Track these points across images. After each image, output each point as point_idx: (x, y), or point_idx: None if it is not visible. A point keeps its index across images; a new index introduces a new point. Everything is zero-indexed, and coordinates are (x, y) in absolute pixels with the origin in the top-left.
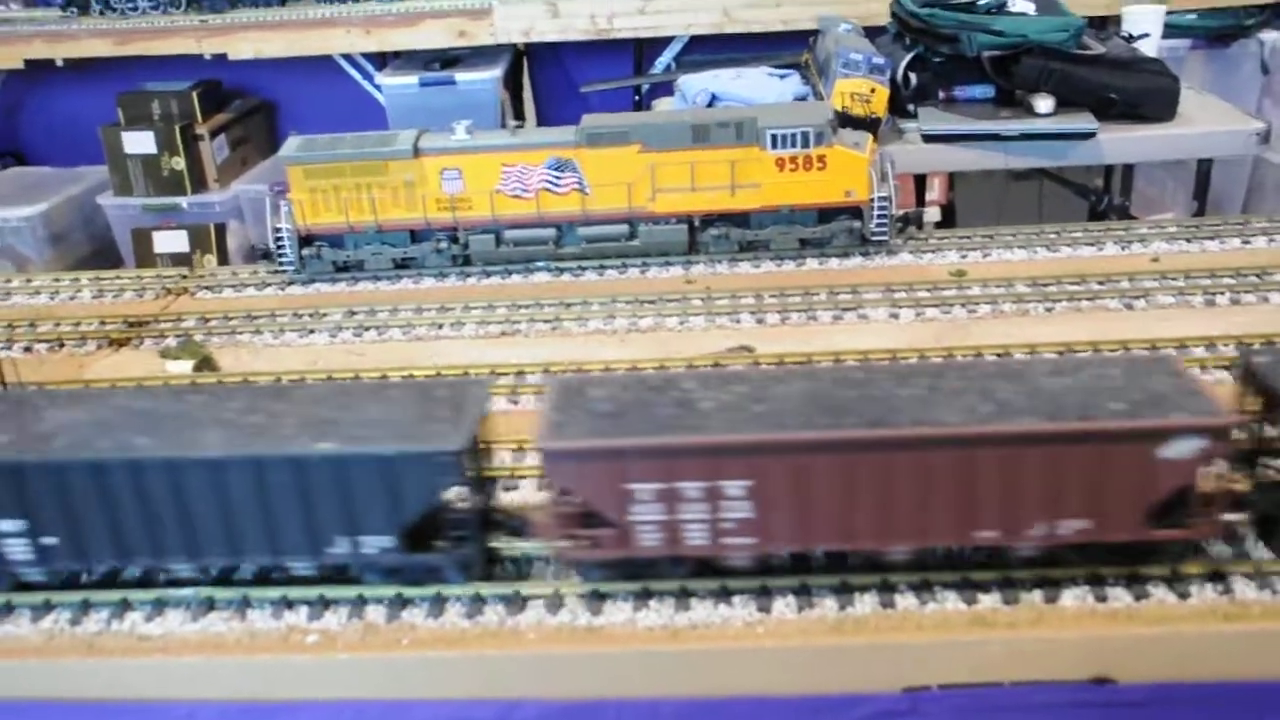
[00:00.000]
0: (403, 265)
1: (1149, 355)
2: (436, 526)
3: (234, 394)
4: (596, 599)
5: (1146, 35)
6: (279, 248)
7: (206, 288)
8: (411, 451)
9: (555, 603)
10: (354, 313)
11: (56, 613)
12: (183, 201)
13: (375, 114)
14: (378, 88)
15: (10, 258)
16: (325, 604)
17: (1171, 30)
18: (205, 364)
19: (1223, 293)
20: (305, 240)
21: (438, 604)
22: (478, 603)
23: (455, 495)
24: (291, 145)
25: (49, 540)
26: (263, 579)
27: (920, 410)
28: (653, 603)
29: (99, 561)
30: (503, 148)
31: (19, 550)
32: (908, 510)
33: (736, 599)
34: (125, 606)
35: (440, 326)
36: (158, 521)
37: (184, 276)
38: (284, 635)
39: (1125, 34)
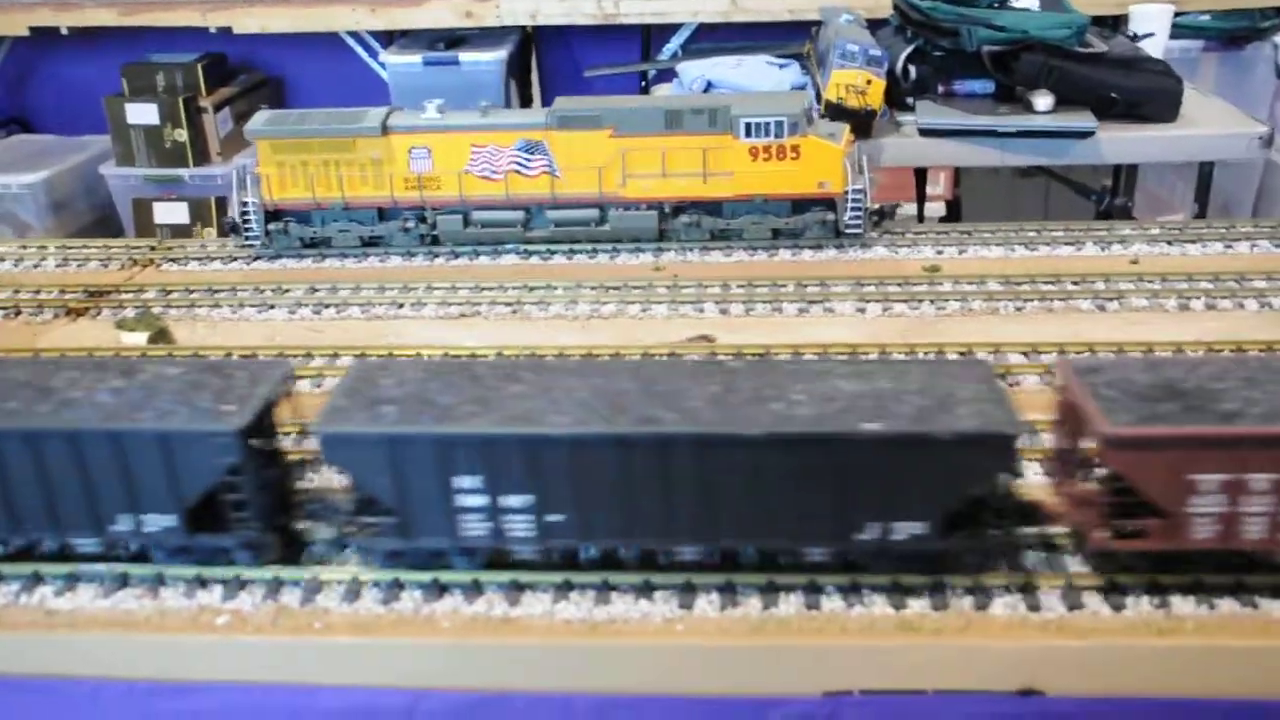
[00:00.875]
0: (370, 244)
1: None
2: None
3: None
4: (515, 589)
5: (1152, 35)
6: (245, 222)
7: (173, 260)
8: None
9: (473, 591)
10: (315, 289)
11: None
12: (185, 173)
13: (379, 91)
14: (383, 65)
15: (11, 224)
16: (240, 584)
17: (1184, 31)
18: (160, 336)
19: (1198, 297)
20: (272, 215)
21: (353, 589)
22: (395, 589)
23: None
24: (260, 119)
25: None
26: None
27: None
28: (573, 594)
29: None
30: (472, 128)
31: None
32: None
33: (659, 594)
34: (36, 580)
35: (400, 306)
36: None
37: (152, 249)
38: (195, 615)
39: (1131, 33)
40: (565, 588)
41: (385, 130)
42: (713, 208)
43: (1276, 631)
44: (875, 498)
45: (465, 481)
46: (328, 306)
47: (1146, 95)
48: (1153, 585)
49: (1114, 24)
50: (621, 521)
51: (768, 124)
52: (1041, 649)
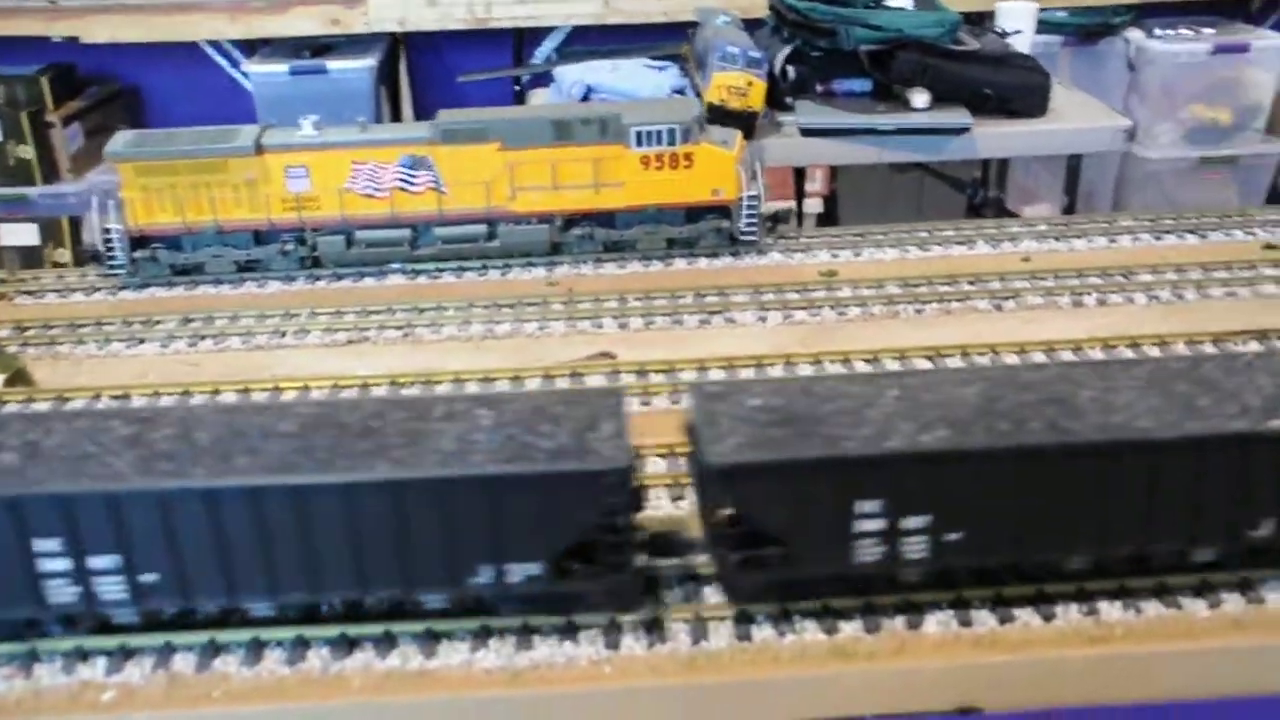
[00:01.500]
0: (246, 268)
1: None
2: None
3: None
4: (430, 639)
5: (1019, 32)
6: (108, 250)
7: (28, 292)
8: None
9: (385, 645)
10: (189, 320)
11: None
12: (32, 192)
13: (244, 102)
14: (246, 75)
15: None
16: (126, 654)
17: (1043, 26)
18: (18, 378)
19: (1090, 293)
20: (138, 242)
21: (254, 650)
22: (300, 647)
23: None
24: (120, 140)
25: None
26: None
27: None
28: (492, 642)
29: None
30: (352, 144)
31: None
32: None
33: (583, 635)
34: None
35: (283, 334)
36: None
37: (2, 280)
38: (75, 693)
39: (999, 30)
40: (483, 634)
41: (259, 149)
42: (606, 219)
43: (1201, 633)
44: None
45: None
46: (204, 338)
47: (1017, 91)
48: (1080, 593)
49: (980, 20)
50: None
51: (659, 132)
52: (975, 666)
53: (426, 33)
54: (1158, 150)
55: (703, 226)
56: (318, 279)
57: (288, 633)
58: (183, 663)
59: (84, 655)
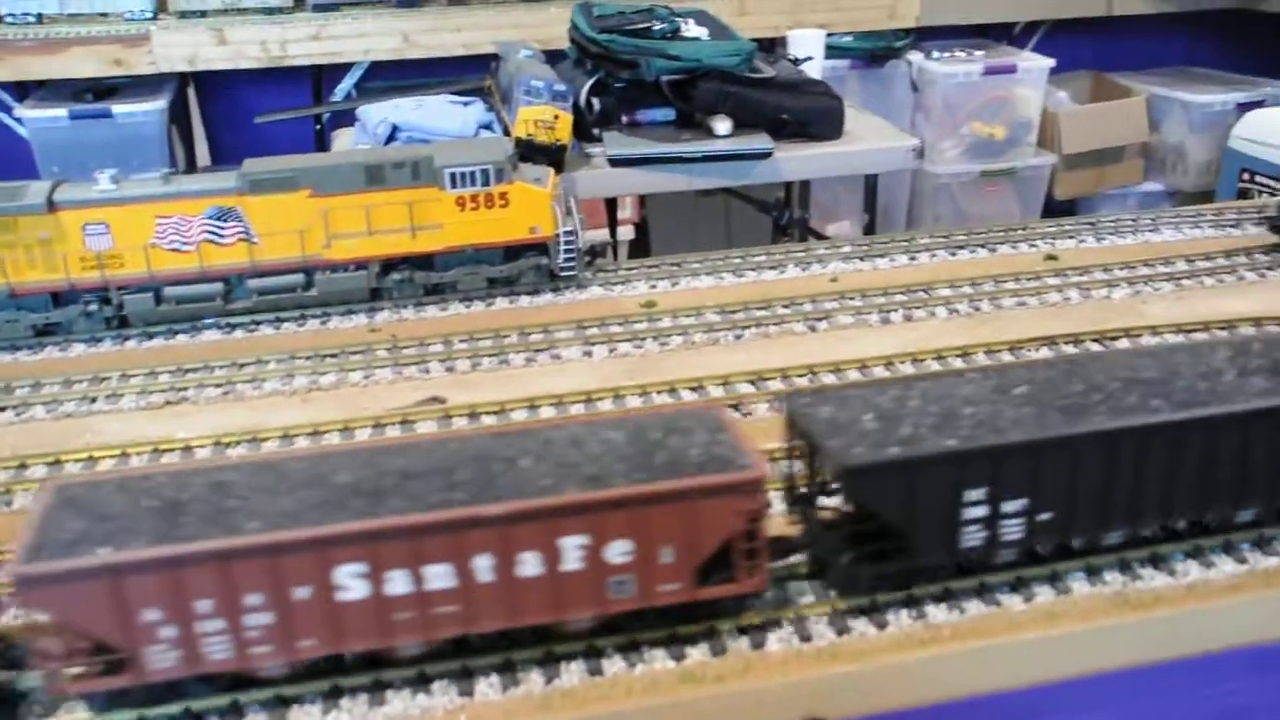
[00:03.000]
0: (46, 332)
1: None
2: None
3: None
4: (280, 704)
5: (810, 58)
6: None
7: None
8: None
9: (232, 715)
10: None
11: None
12: None
13: (19, 150)
14: (19, 121)
15: None
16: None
17: (831, 51)
18: None
19: (896, 310)
20: None
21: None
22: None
23: None
24: None
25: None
26: None
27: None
28: (344, 701)
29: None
30: (155, 197)
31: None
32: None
33: (436, 685)
34: None
35: (93, 400)
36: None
37: None
38: None
39: (791, 56)
40: (334, 694)
41: (52, 206)
42: (424, 262)
43: (1021, 625)
44: None
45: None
46: (4, 409)
47: (814, 115)
48: (910, 599)
49: (771, 47)
50: None
51: (473, 173)
52: (816, 679)
53: (219, 71)
54: (944, 165)
55: (522, 264)
56: (126, 339)
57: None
58: None
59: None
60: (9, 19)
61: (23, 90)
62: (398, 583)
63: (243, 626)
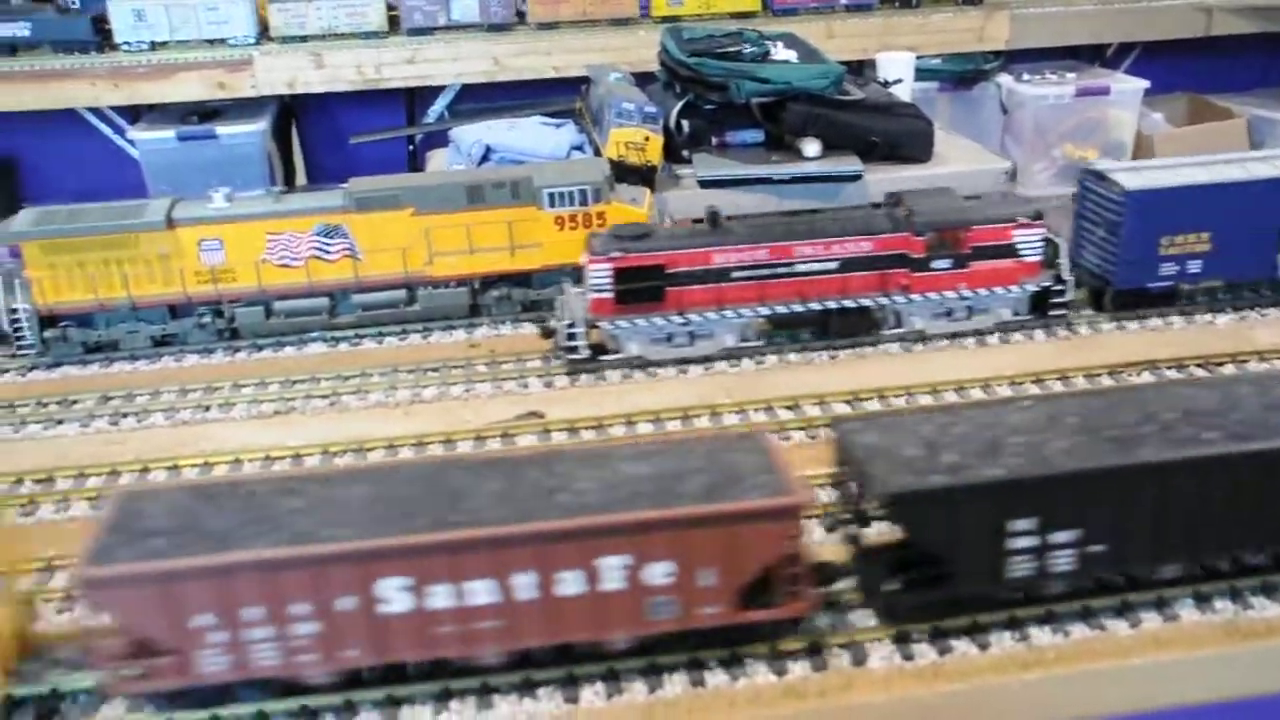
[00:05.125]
0: (163, 343)
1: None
2: None
3: None
4: (392, 705)
5: (900, 80)
6: (16, 330)
7: None
8: None
9: (347, 713)
10: (108, 398)
11: None
12: None
13: (130, 170)
14: (131, 142)
15: None
16: None
17: (920, 74)
18: None
19: (993, 333)
20: (48, 320)
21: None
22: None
23: None
24: (25, 219)
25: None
26: None
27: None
28: (453, 704)
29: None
30: (266, 215)
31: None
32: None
33: (542, 691)
34: None
35: (207, 409)
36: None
37: None
38: None
39: (881, 79)
40: (444, 697)
41: (171, 224)
42: (523, 280)
43: (1128, 650)
44: None
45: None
46: (125, 416)
47: (904, 138)
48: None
49: (859, 69)
50: None
51: (571, 193)
52: (917, 698)
53: (316, 94)
54: (1037, 189)
55: None
56: (237, 350)
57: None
58: None
59: None
60: (124, 47)
61: (134, 113)
62: (440, 597)
63: (290, 635)
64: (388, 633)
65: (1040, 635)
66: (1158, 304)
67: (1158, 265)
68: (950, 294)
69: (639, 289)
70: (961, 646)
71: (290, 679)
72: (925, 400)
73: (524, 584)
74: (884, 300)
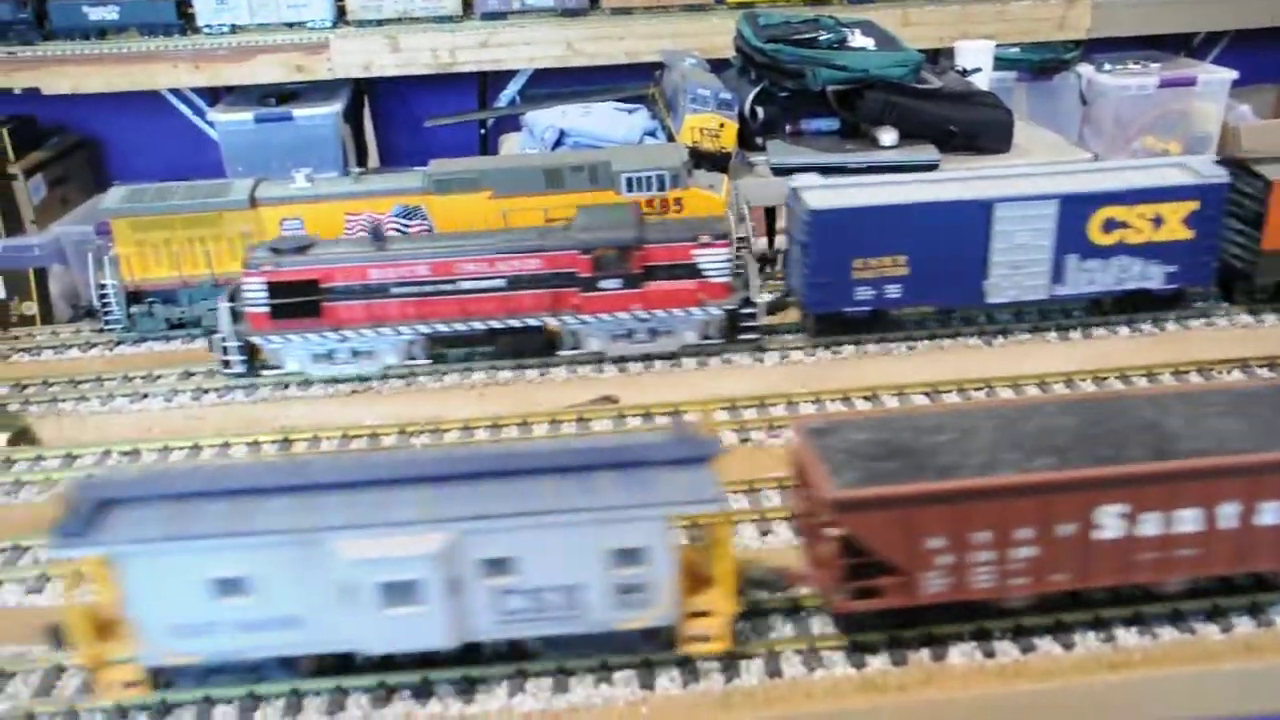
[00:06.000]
0: None
1: None
2: None
3: None
4: (468, 685)
5: (979, 69)
6: (104, 305)
7: (24, 350)
8: None
9: (424, 692)
10: (190, 374)
11: None
12: None
13: (209, 151)
14: (210, 124)
15: None
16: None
17: (998, 63)
18: (22, 436)
19: (1075, 327)
20: (134, 296)
21: (293, 702)
22: (339, 695)
23: None
24: (115, 196)
25: None
26: None
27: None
28: (529, 685)
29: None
30: (346, 195)
31: None
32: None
33: (618, 675)
34: None
35: (286, 386)
36: None
37: None
38: None
39: (959, 68)
40: (519, 676)
41: (254, 203)
42: None
43: (1217, 655)
44: None
45: None
46: (206, 391)
47: (982, 127)
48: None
49: (935, 58)
50: None
51: (649, 178)
52: (1001, 695)
53: (390, 78)
54: None
55: None
56: None
57: (327, 683)
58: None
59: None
60: (206, 29)
61: (213, 95)
62: (1150, 524)
63: (1009, 558)
64: (1094, 558)
65: (1126, 636)
66: (856, 330)
67: (852, 289)
68: (625, 315)
69: (293, 304)
70: (1045, 645)
71: (995, 600)
72: (1008, 394)
73: (1227, 514)
74: (552, 320)
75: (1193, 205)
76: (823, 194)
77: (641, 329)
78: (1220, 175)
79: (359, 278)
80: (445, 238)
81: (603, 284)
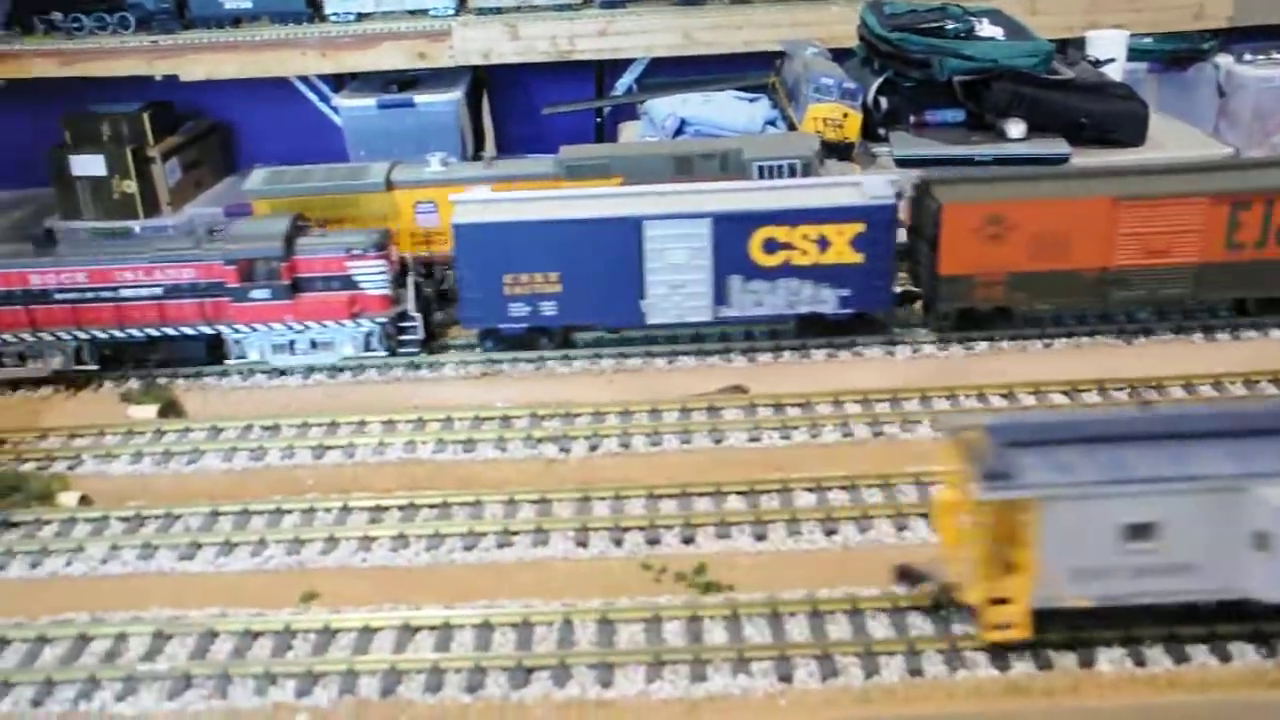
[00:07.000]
0: None
1: None
2: None
3: None
4: (605, 669)
5: (1112, 60)
6: None
7: None
8: None
9: (562, 675)
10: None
11: (16, 692)
12: (135, 225)
13: (333, 136)
14: (335, 110)
15: None
16: (314, 679)
17: (1131, 53)
18: (170, 408)
19: (1224, 329)
20: None
21: (435, 678)
22: (478, 674)
23: None
24: (258, 178)
25: None
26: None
27: None
28: (666, 673)
29: None
30: (479, 179)
31: None
32: None
33: (755, 667)
34: (93, 684)
35: (417, 368)
36: None
37: None
38: (270, 714)
39: (1091, 58)
40: (658, 664)
41: (390, 185)
42: None
43: None
44: None
45: None
46: (341, 370)
47: (1116, 120)
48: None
49: (1064, 48)
50: None
51: (781, 166)
52: (1153, 706)
53: (509, 65)
54: None
55: None
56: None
57: (465, 661)
58: (367, 687)
59: (273, 679)
60: (333, 17)
61: (337, 82)
62: None
63: None
64: None
65: None
66: (515, 348)
67: (505, 305)
68: (279, 325)
69: None
70: (1200, 656)
71: None
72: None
73: None
74: (207, 329)
75: (858, 227)
76: (470, 208)
77: (304, 340)
78: (889, 196)
79: (19, 283)
80: (107, 245)
81: (254, 294)
